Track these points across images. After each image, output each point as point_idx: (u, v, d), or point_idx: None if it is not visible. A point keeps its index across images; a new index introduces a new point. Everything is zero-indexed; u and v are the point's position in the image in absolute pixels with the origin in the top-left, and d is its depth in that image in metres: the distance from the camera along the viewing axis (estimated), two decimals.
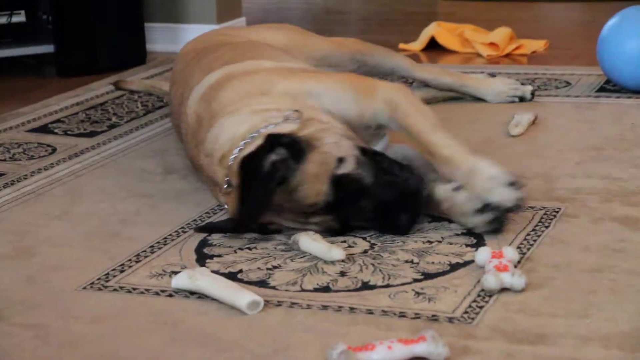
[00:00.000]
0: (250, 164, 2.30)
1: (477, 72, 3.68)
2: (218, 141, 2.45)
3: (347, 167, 2.33)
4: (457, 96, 3.45)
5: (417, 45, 4.36)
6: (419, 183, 2.36)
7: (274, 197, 2.30)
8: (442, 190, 2.41)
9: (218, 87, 2.62)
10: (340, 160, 2.33)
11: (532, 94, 3.44)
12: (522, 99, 3.43)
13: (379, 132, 2.60)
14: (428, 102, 3.40)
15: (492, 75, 3.61)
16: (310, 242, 2.30)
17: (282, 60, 2.83)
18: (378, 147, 2.59)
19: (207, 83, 2.68)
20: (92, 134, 3.32)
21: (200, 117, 2.60)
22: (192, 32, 4.37)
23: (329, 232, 2.38)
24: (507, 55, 4.19)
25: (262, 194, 2.29)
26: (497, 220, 2.35)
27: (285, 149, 2.31)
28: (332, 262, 2.25)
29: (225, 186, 2.40)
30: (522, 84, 3.49)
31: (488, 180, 2.35)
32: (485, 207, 2.34)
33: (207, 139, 2.50)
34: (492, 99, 3.42)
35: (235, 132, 2.43)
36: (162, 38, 4.55)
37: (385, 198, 2.32)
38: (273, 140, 2.32)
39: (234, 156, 2.38)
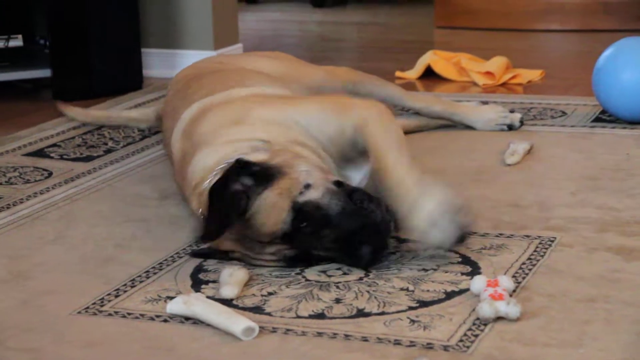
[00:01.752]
0: (217, 190, 2.32)
1: (471, 100, 3.70)
2: (194, 174, 2.48)
3: (312, 195, 2.31)
4: (449, 124, 3.47)
5: (414, 73, 4.38)
6: (386, 217, 2.33)
7: (234, 224, 2.32)
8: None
9: (196, 122, 2.64)
10: (307, 186, 2.32)
11: (521, 121, 3.46)
12: (511, 127, 3.45)
13: (364, 152, 2.59)
14: (420, 130, 3.45)
15: (485, 103, 3.62)
16: (225, 276, 2.28)
17: (264, 86, 2.83)
18: (363, 171, 2.59)
19: (187, 117, 2.72)
20: (88, 159, 3.32)
21: (185, 152, 2.62)
22: (189, 57, 4.39)
23: (285, 262, 2.35)
24: (503, 85, 4.21)
25: (223, 215, 2.29)
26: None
27: (251, 178, 2.32)
28: (327, 289, 2.26)
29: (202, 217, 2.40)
30: (511, 111, 3.50)
31: (425, 220, 2.32)
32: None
33: (188, 174, 2.52)
34: (482, 127, 3.44)
35: (206, 163, 2.45)
36: (158, 64, 4.56)
37: (348, 228, 2.29)
38: (239, 167, 2.32)
39: (203, 188, 2.40)
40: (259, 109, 2.57)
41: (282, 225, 2.29)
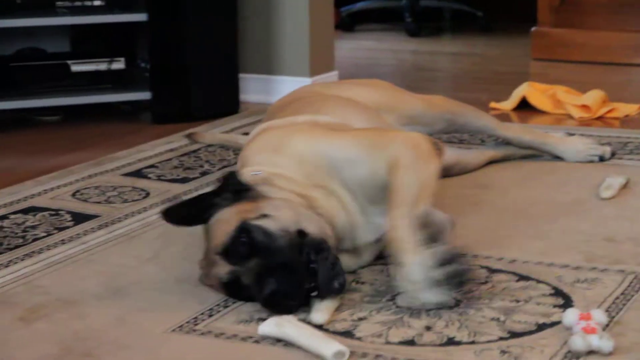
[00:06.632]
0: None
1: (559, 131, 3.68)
2: None
3: (267, 223, 2.30)
4: (536, 154, 3.46)
5: (508, 104, 4.36)
6: (325, 273, 2.26)
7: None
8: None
9: (252, 140, 2.73)
10: (265, 216, 2.31)
11: (613, 153, 3.45)
12: (602, 159, 3.43)
13: None
14: (508, 159, 3.47)
15: (570, 134, 3.61)
16: (316, 301, 2.28)
17: (337, 115, 2.80)
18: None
19: (251, 135, 2.83)
20: (184, 180, 3.37)
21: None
22: (285, 84, 4.44)
23: (224, 289, 2.33)
24: (599, 118, 4.17)
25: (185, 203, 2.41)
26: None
27: (231, 194, 2.38)
28: (418, 317, 2.26)
29: None
30: (601, 144, 3.48)
31: (411, 284, 2.30)
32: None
33: None
34: (571, 158, 3.43)
35: None
36: (255, 89, 4.61)
37: (270, 261, 2.23)
38: (228, 182, 2.40)
39: None
40: (296, 141, 2.57)
41: (225, 238, 2.30)
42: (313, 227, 2.34)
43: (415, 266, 2.28)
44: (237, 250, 2.28)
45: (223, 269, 2.31)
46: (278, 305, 2.24)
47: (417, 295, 2.29)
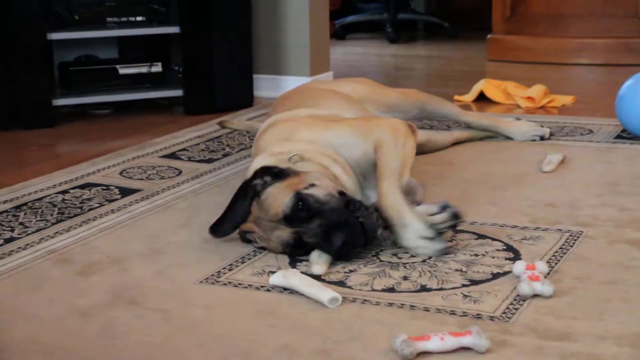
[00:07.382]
0: (241, 187, 2.36)
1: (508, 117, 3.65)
2: (247, 175, 2.47)
3: (315, 191, 2.27)
4: (493, 135, 3.45)
5: (469, 97, 4.34)
6: (372, 224, 2.25)
7: (252, 209, 2.32)
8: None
9: (264, 132, 2.67)
10: (312, 185, 2.29)
11: (551, 134, 3.46)
12: (542, 138, 3.44)
13: None
14: (470, 140, 3.45)
15: (518, 119, 3.60)
16: (315, 257, 2.26)
17: (329, 108, 2.79)
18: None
19: (262, 127, 2.75)
20: (210, 161, 3.36)
21: (253, 157, 2.65)
22: (290, 82, 4.42)
23: (284, 247, 2.31)
24: (542, 107, 4.14)
25: (235, 206, 2.33)
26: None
27: (270, 176, 2.32)
28: (397, 269, 2.25)
29: None
30: (542, 126, 3.48)
31: (410, 239, 2.29)
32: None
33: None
34: (518, 138, 3.44)
35: (256, 166, 2.45)
36: (266, 86, 4.59)
37: (331, 219, 2.21)
38: (263, 170, 2.34)
39: None
40: (304, 131, 2.54)
41: (284, 208, 2.26)
42: (346, 190, 2.35)
43: (418, 224, 2.27)
44: (298, 216, 2.25)
45: (285, 232, 2.28)
46: (348, 254, 2.24)
47: (427, 247, 2.28)
